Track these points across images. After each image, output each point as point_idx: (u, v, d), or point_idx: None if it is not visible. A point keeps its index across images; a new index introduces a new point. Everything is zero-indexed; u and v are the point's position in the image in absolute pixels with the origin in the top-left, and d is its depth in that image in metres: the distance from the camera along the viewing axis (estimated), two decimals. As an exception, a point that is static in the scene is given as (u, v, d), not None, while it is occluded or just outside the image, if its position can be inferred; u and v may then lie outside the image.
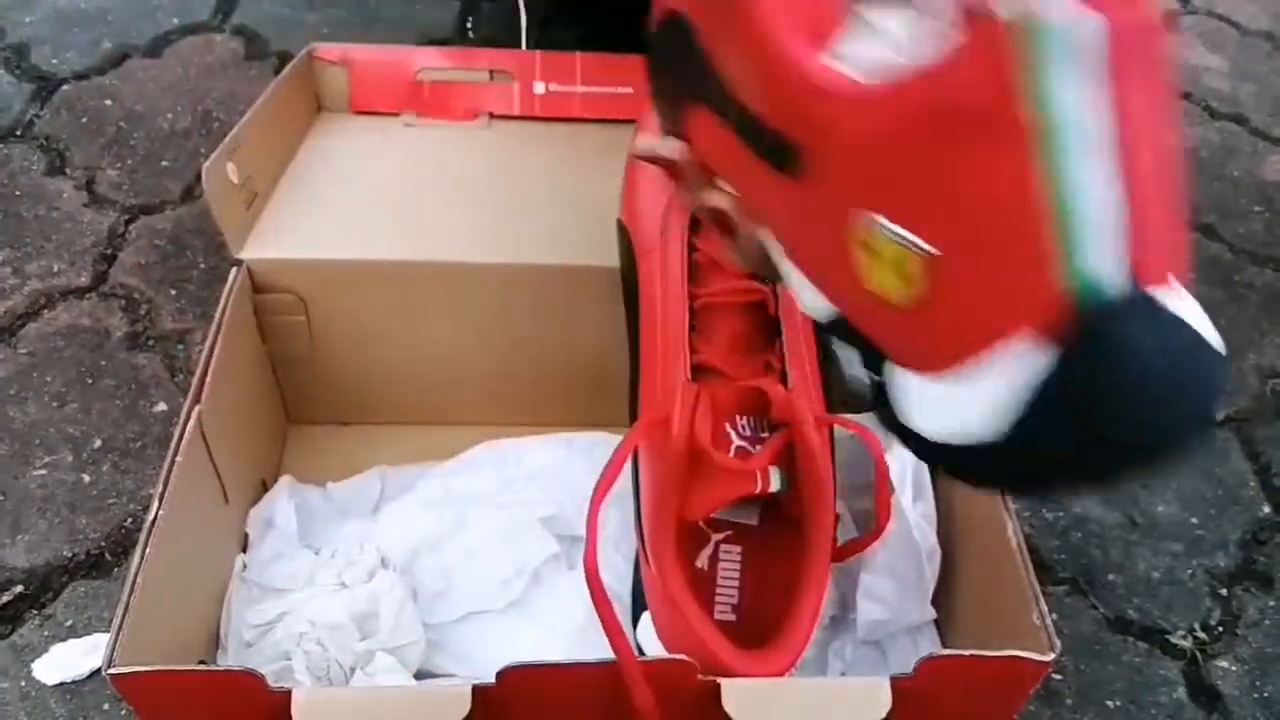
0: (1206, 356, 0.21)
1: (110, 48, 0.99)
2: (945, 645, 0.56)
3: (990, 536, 0.50)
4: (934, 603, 0.56)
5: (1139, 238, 0.20)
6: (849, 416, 0.53)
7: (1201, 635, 0.64)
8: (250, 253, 0.60)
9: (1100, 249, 0.20)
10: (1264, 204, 0.96)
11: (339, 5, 1.07)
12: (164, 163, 0.89)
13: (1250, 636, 0.65)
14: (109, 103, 0.94)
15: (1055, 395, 0.21)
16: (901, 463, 0.55)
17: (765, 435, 0.46)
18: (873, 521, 0.51)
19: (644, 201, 0.56)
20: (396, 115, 0.72)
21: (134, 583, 0.43)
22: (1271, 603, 0.67)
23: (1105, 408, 0.21)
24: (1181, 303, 0.22)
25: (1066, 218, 0.20)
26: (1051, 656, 0.43)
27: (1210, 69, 1.11)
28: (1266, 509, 0.72)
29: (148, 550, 0.45)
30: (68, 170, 0.87)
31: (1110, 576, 0.67)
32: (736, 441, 0.46)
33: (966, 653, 0.44)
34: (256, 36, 1.02)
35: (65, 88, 0.95)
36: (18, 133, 0.90)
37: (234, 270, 0.59)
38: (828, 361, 0.49)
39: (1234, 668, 0.63)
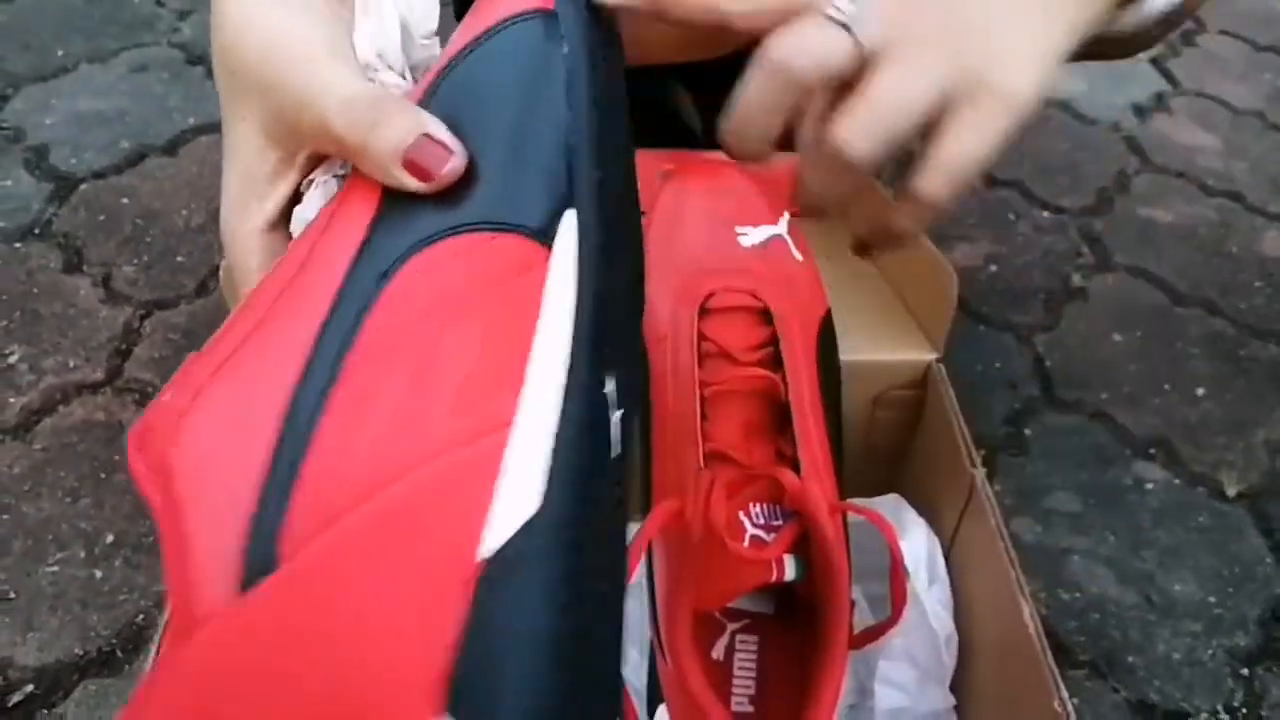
0: None
1: (128, 147, 1.02)
2: (966, 733, 0.55)
3: (1007, 621, 0.50)
4: (952, 689, 0.55)
5: None
6: (860, 502, 0.53)
7: (1225, 717, 0.63)
8: (265, 347, 0.61)
9: None
10: (1264, 279, 0.97)
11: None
12: (179, 258, 0.90)
13: (1274, 717, 0.64)
14: (126, 201, 0.96)
15: None
16: (915, 548, 0.55)
17: (779, 523, 0.47)
18: (888, 607, 0.51)
19: (652, 286, 0.57)
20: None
21: (149, 683, 0.43)
22: (1295, 683, 0.66)
23: None
24: None
25: None
26: (1075, 744, 0.43)
27: (1204, 148, 1.13)
28: (1284, 586, 0.71)
29: (161, 648, 0.45)
30: (85, 267, 0.89)
31: (1130, 658, 0.66)
32: (751, 530, 0.46)
33: (988, 742, 0.43)
34: (270, 134, 1.05)
35: (83, 187, 0.97)
36: (36, 231, 0.92)
37: (249, 365, 0.60)
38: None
39: (1261, 751, 0.62)
